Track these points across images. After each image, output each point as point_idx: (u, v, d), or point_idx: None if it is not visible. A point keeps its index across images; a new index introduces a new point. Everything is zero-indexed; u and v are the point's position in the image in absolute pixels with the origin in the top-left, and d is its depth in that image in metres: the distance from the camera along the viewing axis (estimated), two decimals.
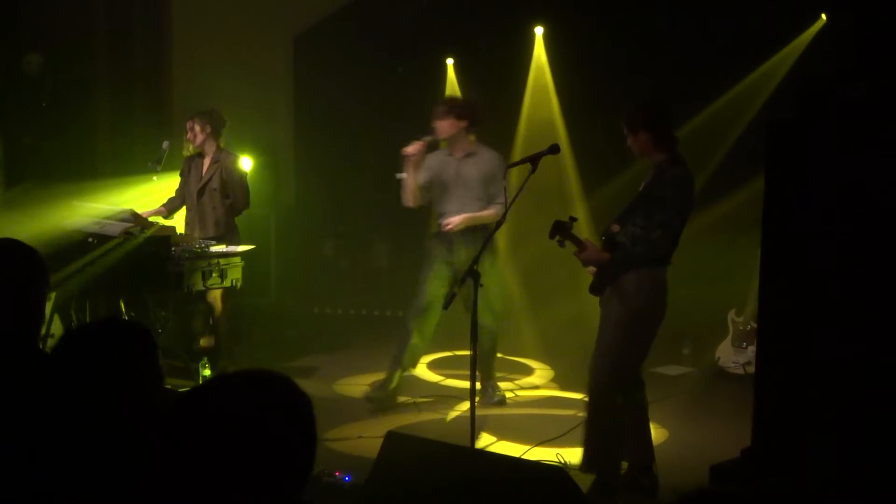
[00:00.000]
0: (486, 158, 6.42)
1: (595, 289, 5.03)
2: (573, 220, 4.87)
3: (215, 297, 6.82)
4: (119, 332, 2.46)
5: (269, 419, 1.72)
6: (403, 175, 6.45)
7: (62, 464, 2.24)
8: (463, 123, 6.37)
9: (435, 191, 6.49)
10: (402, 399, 6.63)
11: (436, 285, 6.42)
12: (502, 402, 6.64)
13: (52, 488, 2.20)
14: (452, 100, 6.81)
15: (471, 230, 6.31)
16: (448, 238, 6.40)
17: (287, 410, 1.76)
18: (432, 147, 6.46)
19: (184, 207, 7.19)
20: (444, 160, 6.47)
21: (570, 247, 4.93)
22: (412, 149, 6.31)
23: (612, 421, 4.94)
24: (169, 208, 7.19)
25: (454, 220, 6.33)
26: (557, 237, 4.84)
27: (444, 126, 6.37)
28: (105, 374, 2.31)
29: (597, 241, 5.05)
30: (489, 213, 6.30)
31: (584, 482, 4.84)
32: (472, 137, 6.46)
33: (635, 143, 4.93)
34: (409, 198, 6.48)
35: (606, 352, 4.89)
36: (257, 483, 1.69)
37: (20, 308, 2.79)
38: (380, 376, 6.67)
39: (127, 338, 2.41)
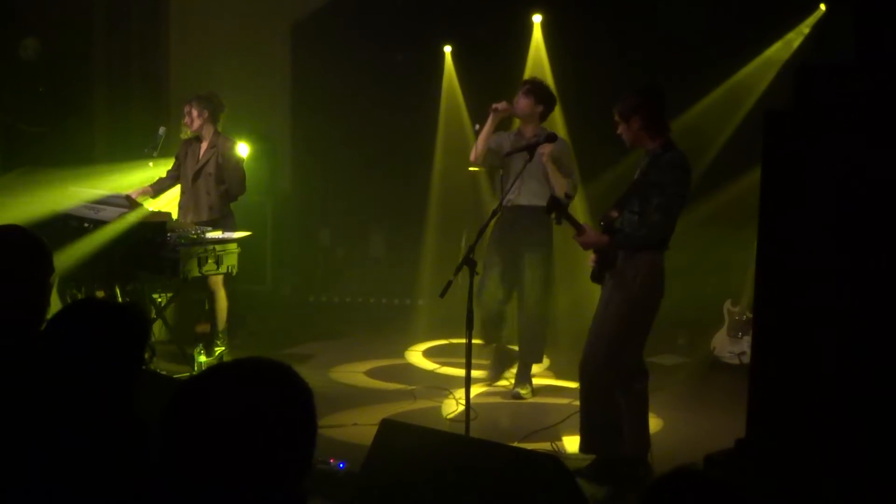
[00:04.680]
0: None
1: (596, 276, 5.02)
2: (569, 197, 4.88)
3: (211, 283, 6.82)
4: (109, 312, 2.47)
5: (268, 409, 1.70)
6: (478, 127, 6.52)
7: (54, 451, 2.24)
8: (539, 108, 6.43)
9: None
10: (397, 387, 6.66)
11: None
12: (517, 396, 6.54)
13: (40, 476, 2.20)
14: (534, 81, 6.70)
15: None
16: None
17: (287, 400, 1.74)
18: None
19: (171, 189, 7.15)
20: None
21: (569, 231, 4.92)
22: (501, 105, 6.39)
23: (607, 404, 4.95)
24: (156, 189, 7.10)
25: None
26: (554, 213, 4.84)
27: (522, 104, 6.42)
28: (92, 354, 2.33)
29: (597, 228, 5.04)
30: None
31: (584, 463, 4.90)
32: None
33: (627, 132, 4.89)
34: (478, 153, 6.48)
35: (602, 337, 4.89)
36: (257, 473, 1.67)
37: (25, 294, 2.78)
38: (374, 364, 6.66)
39: (114, 319, 2.42)
